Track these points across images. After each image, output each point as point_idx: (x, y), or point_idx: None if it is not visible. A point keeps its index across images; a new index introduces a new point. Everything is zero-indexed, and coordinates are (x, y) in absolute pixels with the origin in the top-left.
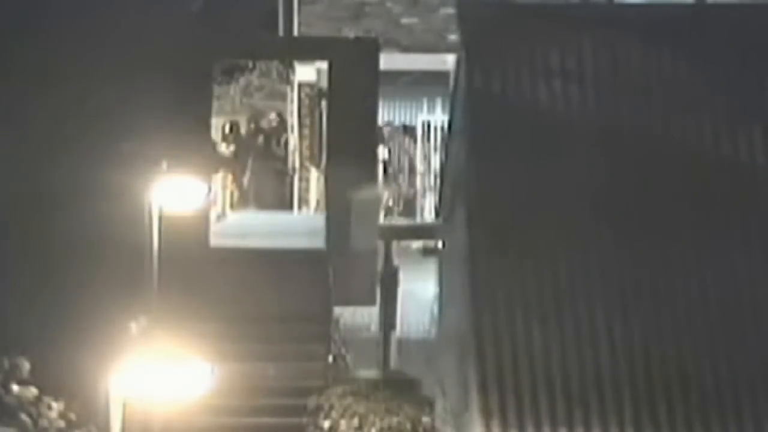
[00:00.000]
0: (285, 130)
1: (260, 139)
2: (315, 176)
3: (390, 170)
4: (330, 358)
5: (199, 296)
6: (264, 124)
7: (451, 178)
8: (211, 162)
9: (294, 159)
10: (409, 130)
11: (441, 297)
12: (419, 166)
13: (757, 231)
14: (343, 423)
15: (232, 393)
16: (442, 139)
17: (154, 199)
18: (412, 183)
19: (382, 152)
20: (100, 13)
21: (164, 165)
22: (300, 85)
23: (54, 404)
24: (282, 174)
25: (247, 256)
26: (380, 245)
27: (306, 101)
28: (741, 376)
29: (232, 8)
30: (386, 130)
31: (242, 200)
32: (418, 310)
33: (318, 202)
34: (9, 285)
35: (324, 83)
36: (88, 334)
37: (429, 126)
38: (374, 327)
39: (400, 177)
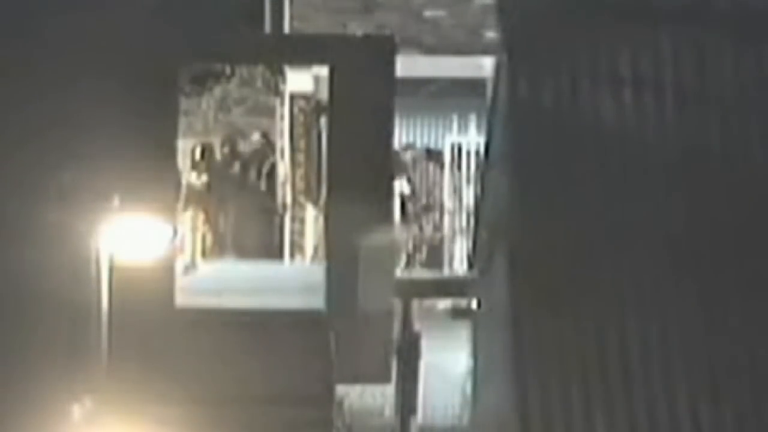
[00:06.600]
0: (273, 155)
1: (239, 167)
2: (312, 216)
3: (410, 208)
4: None
5: (162, 371)
6: (245, 147)
7: (488, 218)
8: (177, 197)
9: (284, 193)
10: (434, 156)
11: (476, 372)
12: (447, 203)
13: None
14: None
15: None
16: (477, 167)
17: (103, 245)
18: (438, 224)
19: (401, 185)
20: (32, 7)
21: (116, 201)
22: (292, 98)
23: None
24: (269, 213)
25: (224, 320)
26: (397, 305)
27: (300, 118)
28: None
29: None
30: (408, 156)
31: (217, 247)
32: (446, 388)
33: (316, 250)
34: None
35: (324, 95)
36: (18, 421)
37: (460, 150)
38: (389, 411)
39: (424, 217)
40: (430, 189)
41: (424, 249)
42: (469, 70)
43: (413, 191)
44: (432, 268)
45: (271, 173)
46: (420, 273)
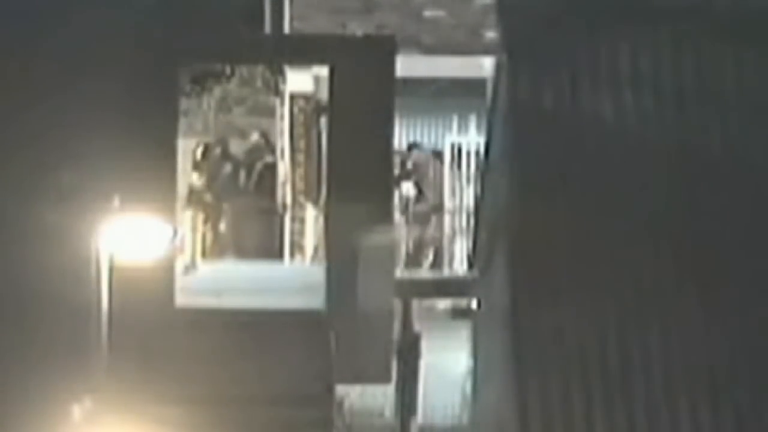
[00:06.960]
0: (269, 155)
1: (231, 168)
2: (312, 215)
3: (412, 209)
4: None
5: (161, 371)
6: (238, 148)
7: (488, 218)
8: (177, 197)
9: (285, 193)
10: (435, 156)
11: (476, 372)
12: (447, 203)
13: None
14: None
15: None
16: (477, 167)
17: (103, 245)
18: (438, 224)
19: (407, 188)
20: (32, 8)
21: (116, 201)
22: (293, 97)
23: None
24: (269, 213)
25: (224, 320)
26: (397, 305)
27: (300, 118)
28: None
29: None
30: (413, 157)
31: (217, 247)
32: (446, 389)
33: (316, 250)
34: None
35: (324, 95)
36: (18, 421)
37: (460, 150)
38: (389, 411)
39: (433, 217)
40: (437, 189)
41: (431, 250)
42: (469, 70)
43: (420, 192)
44: (432, 268)
45: (264, 174)
46: (420, 273)
